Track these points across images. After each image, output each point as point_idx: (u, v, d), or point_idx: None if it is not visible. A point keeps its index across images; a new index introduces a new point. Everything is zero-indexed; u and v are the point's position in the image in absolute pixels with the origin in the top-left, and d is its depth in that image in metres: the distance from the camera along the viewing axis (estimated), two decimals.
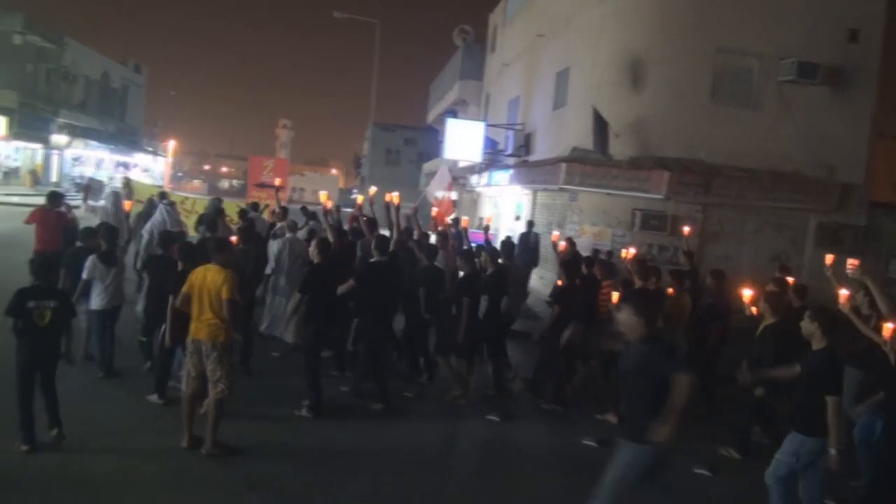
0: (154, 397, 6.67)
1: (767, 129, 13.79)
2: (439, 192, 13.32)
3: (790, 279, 8.32)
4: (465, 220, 11.07)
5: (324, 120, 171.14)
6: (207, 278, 5.68)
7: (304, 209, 14.03)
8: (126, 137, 44.57)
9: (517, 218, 19.38)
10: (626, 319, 4.13)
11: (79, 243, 7.88)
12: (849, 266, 6.12)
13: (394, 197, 9.52)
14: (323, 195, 10.03)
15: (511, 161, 18.92)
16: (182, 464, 5.49)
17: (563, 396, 7.77)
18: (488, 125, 20.04)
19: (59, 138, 35.21)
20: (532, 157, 17.58)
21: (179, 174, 72.77)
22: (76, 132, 36.64)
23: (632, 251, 9.75)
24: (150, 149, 48.60)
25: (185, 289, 5.73)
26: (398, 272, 7.97)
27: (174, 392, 6.46)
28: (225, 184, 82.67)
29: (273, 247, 8.97)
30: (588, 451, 6.49)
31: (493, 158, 20.01)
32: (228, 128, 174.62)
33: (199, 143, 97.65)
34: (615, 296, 6.53)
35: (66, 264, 7.23)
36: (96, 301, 7.10)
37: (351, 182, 64.37)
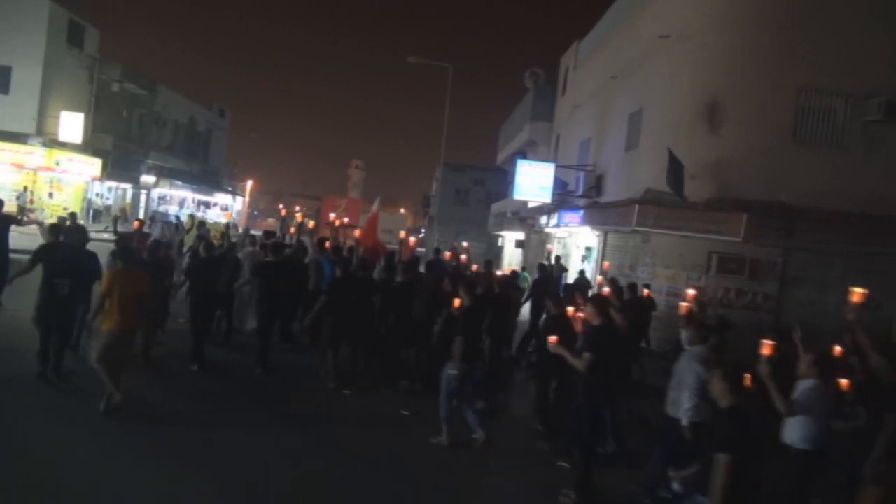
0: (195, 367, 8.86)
1: (854, 170, 13.21)
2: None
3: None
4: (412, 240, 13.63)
5: (395, 160, 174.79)
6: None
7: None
8: (208, 178, 46.79)
9: (584, 258, 19.15)
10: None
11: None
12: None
13: (306, 220, 14.60)
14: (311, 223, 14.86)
15: (581, 202, 18.78)
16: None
17: (423, 377, 9.18)
18: (558, 166, 20.02)
19: (147, 178, 37.35)
20: (603, 199, 17.40)
21: (256, 212, 75.56)
22: (163, 173, 38.82)
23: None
24: (229, 188, 50.84)
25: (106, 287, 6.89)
26: (294, 271, 10.09)
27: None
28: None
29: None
30: (399, 417, 8.14)
31: (562, 199, 19.92)
32: (303, 168, 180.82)
33: (275, 182, 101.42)
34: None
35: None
36: None
37: (420, 221, 65.19)
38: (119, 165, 33.40)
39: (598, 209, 17.04)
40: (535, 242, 26.33)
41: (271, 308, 9.41)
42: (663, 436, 6.30)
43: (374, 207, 16.60)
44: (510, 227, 30.03)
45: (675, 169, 12.82)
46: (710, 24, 13.92)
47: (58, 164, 29.10)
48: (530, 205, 23.29)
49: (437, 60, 31.55)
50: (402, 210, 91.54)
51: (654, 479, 6.17)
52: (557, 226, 20.39)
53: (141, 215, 35.74)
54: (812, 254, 13.54)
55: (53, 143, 28.99)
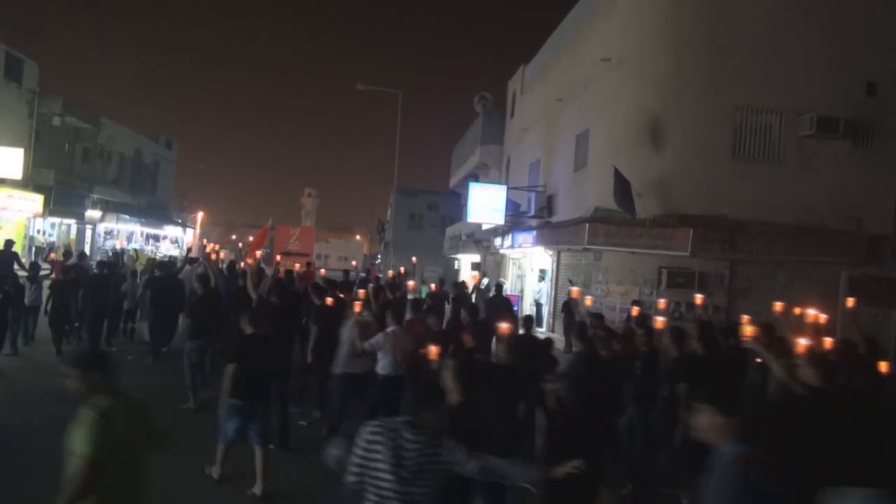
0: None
1: (791, 184, 13.77)
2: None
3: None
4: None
5: (349, 187, 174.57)
6: None
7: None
8: (156, 211, 45.76)
9: (540, 279, 19.36)
10: None
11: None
12: None
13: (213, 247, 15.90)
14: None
15: (534, 223, 19.04)
16: None
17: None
18: (510, 188, 20.28)
19: (92, 213, 36.27)
20: (555, 219, 17.68)
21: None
22: (109, 207, 37.75)
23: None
24: (179, 221, 49.81)
25: None
26: (178, 284, 12.64)
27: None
28: None
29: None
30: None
31: (515, 220, 20.16)
32: (255, 198, 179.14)
33: (226, 213, 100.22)
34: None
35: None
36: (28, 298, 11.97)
37: (375, 247, 64.99)
38: (62, 201, 32.37)
39: (550, 229, 17.30)
40: (491, 264, 26.51)
41: (158, 312, 11.92)
42: (336, 385, 7.96)
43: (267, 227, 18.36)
44: (465, 250, 30.17)
45: (623, 187, 13.15)
46: (647, 47, 14.43)
47: None
48: (484, 227, 23.50)
49: (386, 87, 31.75)
50: (358, 237, 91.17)
51: (334, 421, 7.69)
52: (512, 247, 20.61)
53: (87, 251, 34.72)
54: (756, 265, 14.01)
55: None
